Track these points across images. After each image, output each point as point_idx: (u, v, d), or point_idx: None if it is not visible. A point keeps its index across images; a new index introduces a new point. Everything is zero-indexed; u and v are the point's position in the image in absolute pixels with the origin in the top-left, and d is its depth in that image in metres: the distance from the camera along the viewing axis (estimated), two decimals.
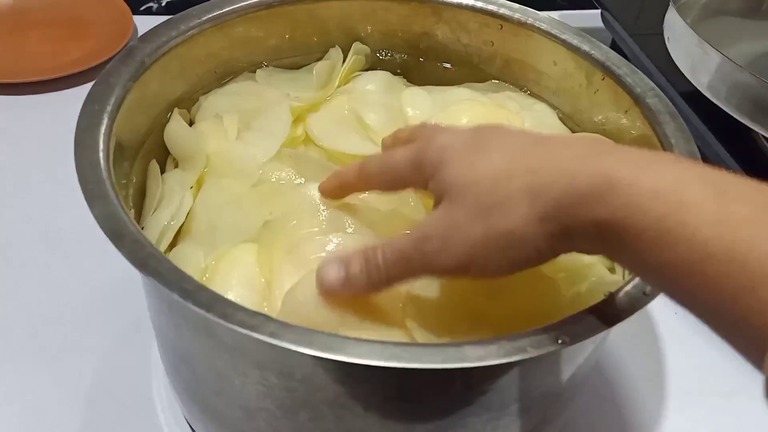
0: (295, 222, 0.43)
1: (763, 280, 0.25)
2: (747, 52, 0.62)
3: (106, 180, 0.38)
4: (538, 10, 0.56)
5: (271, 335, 0.31)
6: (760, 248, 0.25)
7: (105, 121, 0.42)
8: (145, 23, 0.82)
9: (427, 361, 0.30)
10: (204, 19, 0.52)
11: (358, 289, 0.35)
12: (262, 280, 0.41)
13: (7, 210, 0.64)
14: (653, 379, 0.53)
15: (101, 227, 0.35)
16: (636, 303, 0.34)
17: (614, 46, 0.76)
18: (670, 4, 0.58)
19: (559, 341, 0.32)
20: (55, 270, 0.59)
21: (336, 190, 0.42)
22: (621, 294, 0.35)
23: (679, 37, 0.54)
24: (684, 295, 0.28)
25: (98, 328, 0.55)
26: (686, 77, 0.59)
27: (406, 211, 0.43)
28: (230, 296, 0.39)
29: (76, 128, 0.41)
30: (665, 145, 0.44)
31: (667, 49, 0.62)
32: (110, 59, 0.75)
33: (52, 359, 0.53)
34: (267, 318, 0.32)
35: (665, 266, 0.27)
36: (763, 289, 0.24)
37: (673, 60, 0.61)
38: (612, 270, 0.44)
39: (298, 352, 0.31)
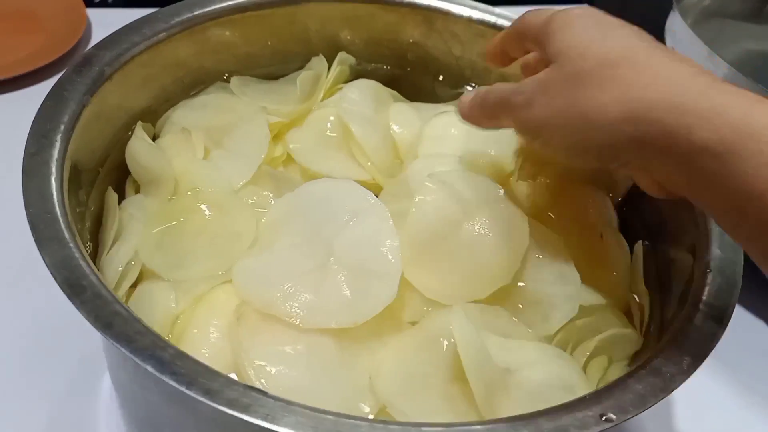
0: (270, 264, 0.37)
1: None
2: (747, 55, 0.59)
3: (60, 217, 0.32)
4: (525, 4, 0.52)
5: (266, 418, 0.26)
6: None
7: (58, 144, 0.36)
8: (99, 17, 0.76)
9: None
10: (172, 23, 0.46)
11: (477, 118, 0.38)
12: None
13: None
14: None
15: (55, 278, 0.29)
16: (684, 369, 0.30)
17: None
18: (674, 8, 0.55)
19: (604, 418, 0.27)
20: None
21: (496, 53, 0.42)
22: (660, 359, 0.31)
23: (685, 45, 0.50)
24: None
25: (46, 368, 0.48)
26: None
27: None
28: (208, 349, 0.34)
29: (24, 153, 0.35)
30: None
31: None
32: (61, 57, 0.71)
33: None
34: (261, 395, 0.27)
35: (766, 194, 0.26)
36: None
37: None
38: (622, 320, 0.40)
39: None
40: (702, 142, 0.28)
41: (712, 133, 0.27)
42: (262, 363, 0.32)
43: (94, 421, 0.44)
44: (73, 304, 0.28)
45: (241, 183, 0.43)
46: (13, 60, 0.70)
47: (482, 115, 0.37)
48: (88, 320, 0.28)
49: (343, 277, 0.35)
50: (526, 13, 0.39)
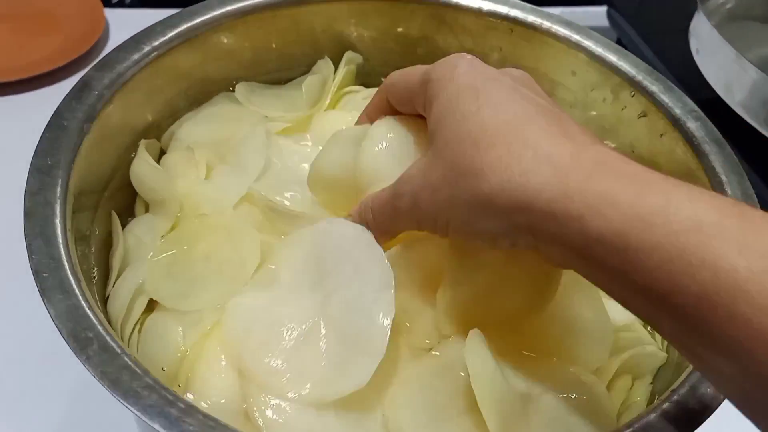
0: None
1: None
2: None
3: (66, 262, 0.32)
4: (540, 5, 0.50)
5: None
6: None
7: (60, 180, 0.35)
8: (117, 17, 0.76)
9: None
10: (171, 35, 0.45)
11: (379, 239, 0.34)
12: None
13: None
14: None
15: (60, 332, 0.29)
16: (709, 402, 0.29)
17: (619, 45, 0.70)
18: (698, 11, 0.52)
19: None
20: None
21: (372, 113, 0.39)
22: (685, 391, 0.29)
23: (711, 48, 0.48)
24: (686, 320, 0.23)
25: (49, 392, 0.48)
26: (703, 81, 0.53)
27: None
28: (217, 388, 0.33)
29: (26, 191, 0.34)
30: (714, 183, 0.39)
31: (678, 48, 0.57)
32: (80, 58, 0.70)
33: None
34: None
35: (676, 293, 0.23)
36: None
37: (686, 62, 0.55)
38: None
39: None
40: (597, 233, 0.24)
41: (606, 224, 0.24)
42: (270, 414, 0.31)
43: None
44: (80, 360, 0.28)
45: (235, 200, 0.42)
46: (32, 60, 0.70)
47: (382, 235, 0.34)
48: (94, 376, 0.28)
49: (324, 345, 0.33)
50: (393, 75, 0.36)
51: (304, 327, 0.34)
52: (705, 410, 0.29)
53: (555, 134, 0.27)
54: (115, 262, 0.40)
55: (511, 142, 0.27)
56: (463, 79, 0.30)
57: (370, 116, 0.38)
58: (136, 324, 0.38)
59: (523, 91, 0.30)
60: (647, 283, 0.24)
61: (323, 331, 0.33)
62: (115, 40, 0.73)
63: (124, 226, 0.42)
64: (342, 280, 0.34)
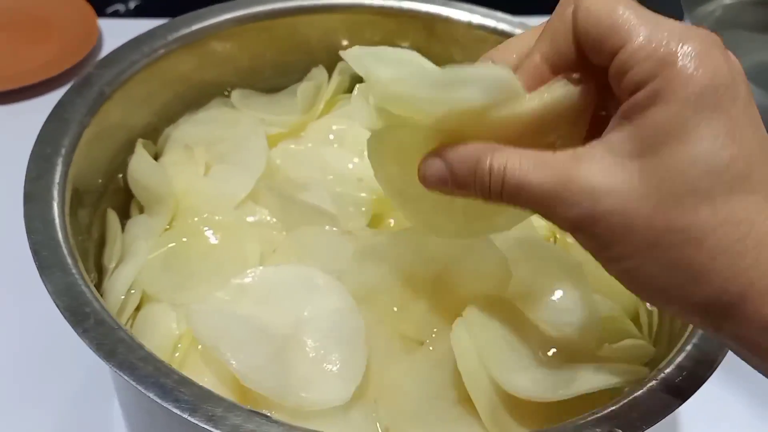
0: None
1: None
2: (760, 66, 0.58)
3: (63, 242, 0.32)
4: (529, 14, 0.52)
5: None
6: None
7: (59, 168, 0.36)
8: (111, 27, 0.76)
9: None
10: (170, 39, 0.46)
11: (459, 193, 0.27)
12: None
13: None
14: None
15: (57, 306, 0.29)
16: (690, 383, 0.30)
17: None
18: (685, 19, 0.54)
19: None
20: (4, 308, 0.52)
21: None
22: (667, 374, 0.30)
23: None
24: None
25: (53, 380, 0.48)
26: None
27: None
28: (213, 371, 0.34)
29: (26, 178, 0.35)
30: None
31: None
32: (73, 67, 0.71)
33: None
34: (265, 419, 0.26)
35: None
36: None
37: None
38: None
39: None
40: None
41: None
42: None
43: None
44: (76, 332, 0.28)
45: (240, 197, 0.42)
46: (25, 69, 0.70)
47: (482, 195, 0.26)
48: (91, 348, 0.28)
49: (303, 354, 0.33)
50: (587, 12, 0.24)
51: (280, 338, 0.34)
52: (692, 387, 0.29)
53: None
54: (111, 260, 0.40)
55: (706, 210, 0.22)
56: (714, 109, 0.22)
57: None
58: (129, 319, 0.38)
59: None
60: None
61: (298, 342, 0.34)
62: (108, 50, 0.73)
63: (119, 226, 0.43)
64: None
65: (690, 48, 0.23)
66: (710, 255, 0.22)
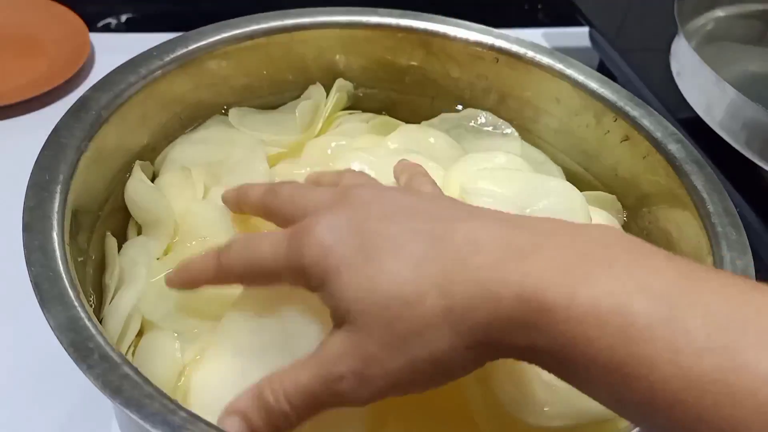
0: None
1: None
2: (751, 78, 0.59)
3: (64, 274, 0.32)
4: (520, 27, 0.52)
5: None
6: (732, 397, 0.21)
7: (58, 195, 0.36)
8: (102, 41, 0.75)
9: None
10: (167, 60, 0.46)
11: None
12: None
13: None
14: None
15: (61, 342, 0.29)
16: None
17: (602, 67, 0.72)
18: (679, 33, 0.54)
19: None
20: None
21: (187, 283, 0.34)
22: None
23: (691, 69, 0.50)
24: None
25: (49, 403, 0.47)
26: (684, 101, 0.55)
27: None
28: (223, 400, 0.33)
29: (24, 207, 0.34)
30: (696, 202, 0.40)
31: (660, 69, 0.59)
32: (65, 83, 0.70)
33: None
34: None
35: (625, 403, 0.24)
36: None
37: (667, 83, 0.57)
38: None
39: None
40: (543, 347, 0.25)
41: (549, 341, 0.24)
42: None
43: None
44: (81, 369, 0.28)
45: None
46: (16, 86, 0.69)
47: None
48: (96, 386, 0.27)
49: None
50: (228, 250, 0.32)
51: None
52: None
53: (468, 253, 0.26)
54: (110, 283, 0.39)
55: (437, 284, 0.26)
56: (340, 250, 0.27)
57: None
58: (130, 346, 0.37)
59: (401, 222, 0.28)
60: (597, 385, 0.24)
61: None
62: (100, 65, 0.73)
63: (117, 249, 0.42)
64: None
65: (309, 255, 0.28)
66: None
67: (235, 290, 0.37)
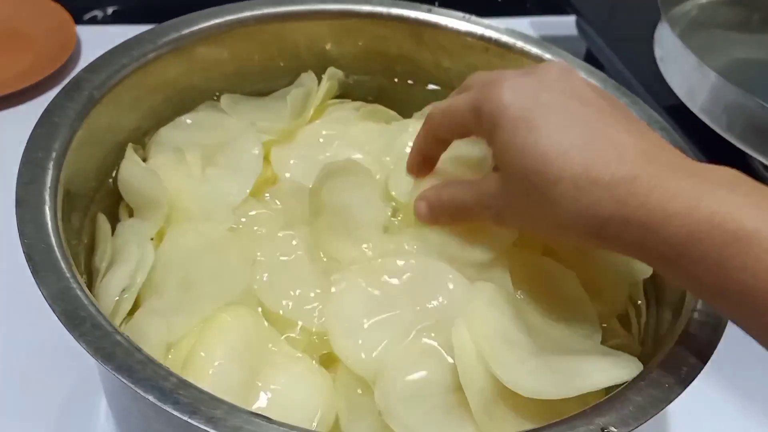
0: (288, 279, 0.37)
1: None
2: (735, 64, 0.60)
3: (56, 246, 0.32)
4: (508, 15, 0.53)
5: None
6: None
7: (50, 171, 0.36)
8: (89, 34, 0.75)
9: None
10: (160, 43, 0.46)
11: (442, 222, 0.38)
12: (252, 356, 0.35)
13: None
14: None
15: (54, 310, 0.29)
16: (682, 378, 0.30)
17: (589, 55, 0.73)
18: (662, 20, 0.55)
19: (606, 431, 0.28)
20: None
21: (417, 162, 0.40)
22: (659, 370, 0.31)
23: (674, 56, 0.51)
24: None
25: (42, 389, 0.47)
26: (670, 90, 0.56)
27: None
28: (214, 379, 0.33)
29: (17, 183, 0.35)
30: None
31: (646, 58, 0.59)
32: (51, 76, 0.70)
33: None
34: (265, 421, 0.27)
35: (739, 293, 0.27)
36: None
37: (654, 71, 0.58)
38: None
39: None
40: (676, 242, 0.28)
41: (662, 240, 0.28)
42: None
43: None
44: (73, 336, 0.28)
45: (237, 201, 0.43)
46: (2, 79, 0.69)
47: (448, 220, 0.38)
48: (88, 352, 0.28)
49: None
50: (433, 111, 0.37)
51: None
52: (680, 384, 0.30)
53: (611, 159, 0.29)
54: (102, 263, 0.40)
55: (574, 176, 0.30)
56: (512, 111, 0.32)
57: (422, 151, 0.39)
58: (121, 324, 0.38)
59: (572, 106, 0.32)
60: (699, 279, 0.28)
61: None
62: (87, 58, 0.72)
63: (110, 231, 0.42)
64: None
65: (487, 102, 0.33)
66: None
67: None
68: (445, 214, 0.37)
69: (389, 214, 0.42)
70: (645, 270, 0.40)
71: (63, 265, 0.32)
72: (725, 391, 0.50)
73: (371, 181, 0.42)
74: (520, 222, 0.34)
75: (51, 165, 0.36)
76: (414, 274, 0.37)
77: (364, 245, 0.38)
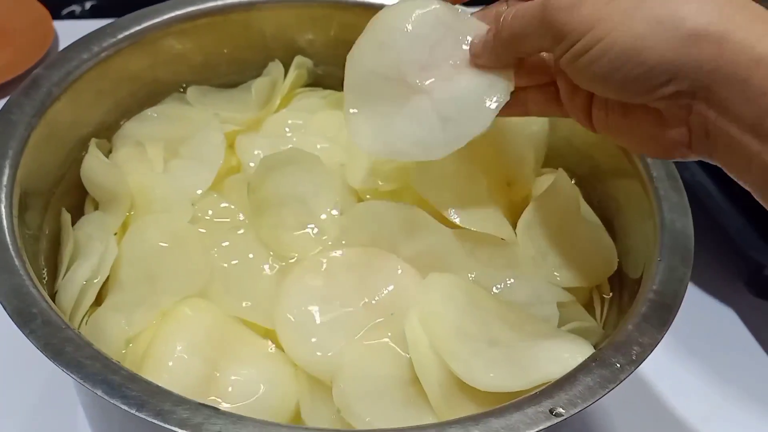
0: (247, 271, 0.38)
1: None
2: None
3: (10, 245, 0.32)
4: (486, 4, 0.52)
5: None
6: None
7: (6, 170, 0.36)
8: (66, 29, 0.75)
9: None
10: (120, 37, 0.46)
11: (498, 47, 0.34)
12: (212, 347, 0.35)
13: None
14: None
15: (5, 308, 0.29)
16: (633, 359, 0.30)
17: None
18: None
19: (554, 413, 0.28)
20: None
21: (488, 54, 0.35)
22: (610, 350, 0.31)
23: None
24: None
25: (15, 388, 0.47)
26: None
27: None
28: (173, 370, 0.34)
29: None
30: (642, 168, 0.41)
31: None
32: (29, 71, 0.69)
33: None
34: (213, 412, 0.27)
35: None
36: None
37: None
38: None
39: None
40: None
41: None
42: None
43: None
44: (23, 332, 0.28)
45: (200, 191, 0.43)
46: None
47: (507, 41, 0.33)
48: (37, 347, 0.28)
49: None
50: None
51: None
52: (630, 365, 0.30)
53: None
54: (65, 258, 0.40)
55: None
56: None
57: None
58: (84, 316, 0.38)
59: None
60: None
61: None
62: None
63: (74, 224, 0.43)
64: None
65: None
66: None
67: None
68: (507, 28, 0.33)
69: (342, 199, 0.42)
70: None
71: (17, 262, 0.32)
72: (704, 372, 0.50)
73: (320, 168, 0.41)
74: (603, 12, 0.28)
75: (7, 164, 0.36)
76: (361, 264, 0.37)
77: (315, 236, 0.38)
